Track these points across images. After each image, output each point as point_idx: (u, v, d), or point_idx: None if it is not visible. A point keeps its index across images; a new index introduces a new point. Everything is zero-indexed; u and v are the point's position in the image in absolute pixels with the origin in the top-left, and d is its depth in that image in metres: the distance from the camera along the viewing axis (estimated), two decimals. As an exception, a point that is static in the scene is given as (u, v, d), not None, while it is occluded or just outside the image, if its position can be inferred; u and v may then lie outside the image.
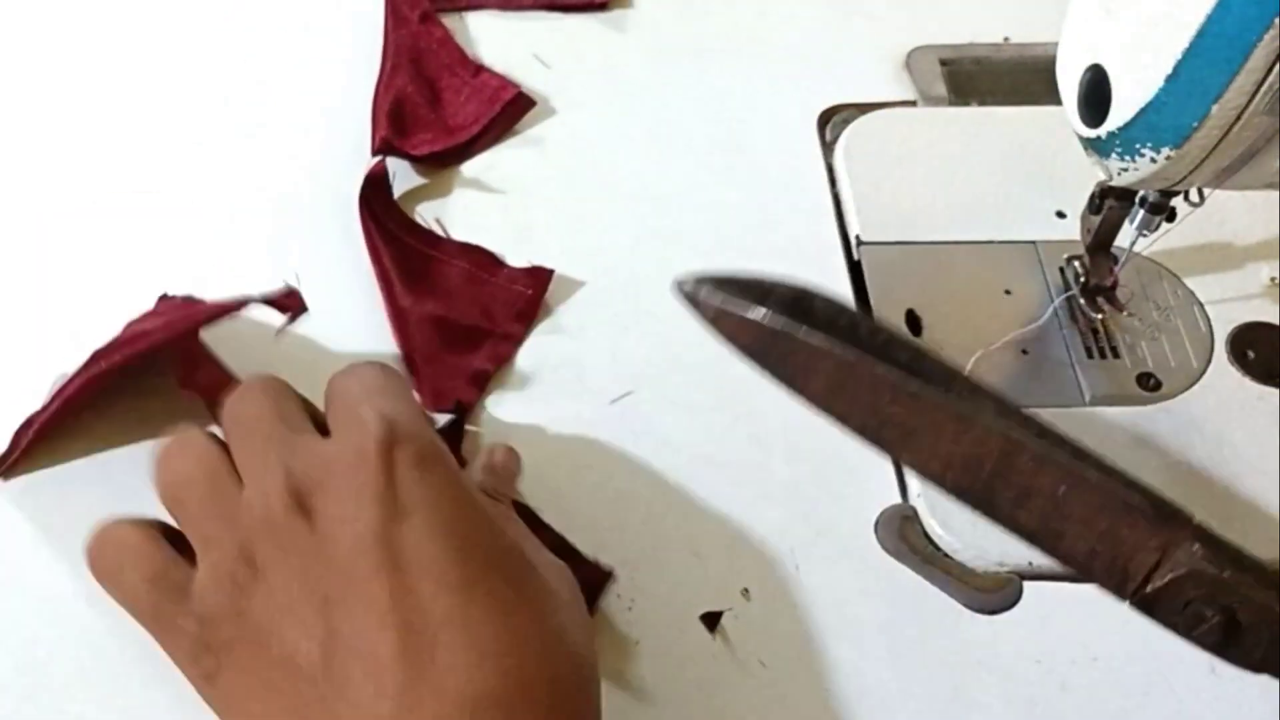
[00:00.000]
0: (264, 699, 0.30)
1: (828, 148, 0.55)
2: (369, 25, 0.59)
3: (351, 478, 0.32)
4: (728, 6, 0.61)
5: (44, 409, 0.42)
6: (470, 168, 0.53)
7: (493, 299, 0.48)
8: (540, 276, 0.49)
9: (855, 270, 0.50)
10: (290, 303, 0.44)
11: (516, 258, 0.50)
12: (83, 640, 0.39)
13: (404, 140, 0.52)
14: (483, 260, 0.49)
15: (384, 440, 0.32)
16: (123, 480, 0.41)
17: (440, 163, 0.53)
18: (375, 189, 0.50)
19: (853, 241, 0.51)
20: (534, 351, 0.47)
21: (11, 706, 0.38)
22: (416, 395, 0.43)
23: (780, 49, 0.59)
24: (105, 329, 0.46)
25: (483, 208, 0.52)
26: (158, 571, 0.33)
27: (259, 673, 0.31)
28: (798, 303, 0.33)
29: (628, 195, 0.53)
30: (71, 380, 0.42)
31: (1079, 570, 0.32)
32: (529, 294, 0.48)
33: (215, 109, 0.55)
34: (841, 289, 0.50)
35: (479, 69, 0.56)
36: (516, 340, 0.47)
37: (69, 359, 0.45)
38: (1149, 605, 0.32)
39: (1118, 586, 0.32)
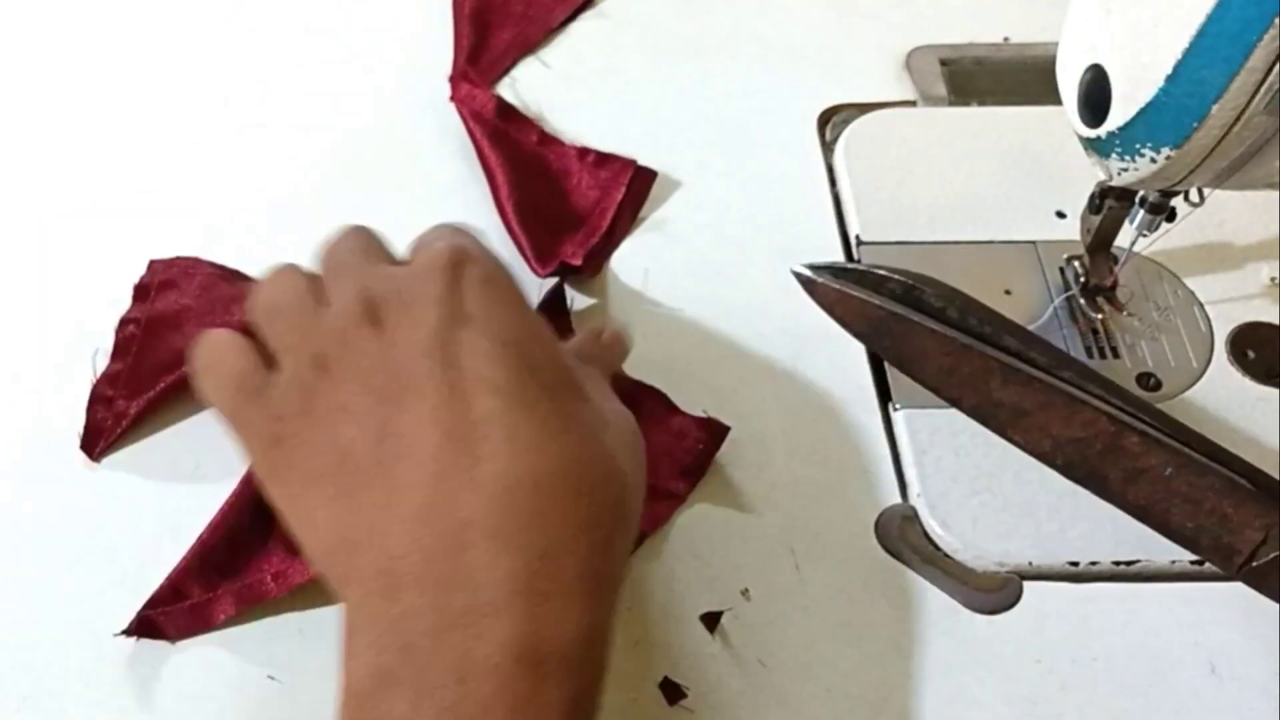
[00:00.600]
0: (319, 486, 0.32)
1: (828, 148, 0.55)
2: (366, 25, 0.59)
3: (419, 289, 0.34)
4: (728, 6, 0.61)
5: (141, 390, 0.44)
6: (472, 173, 0.53)
7: (660, 451, 0.44)
8: (715, 431, 0.44)
9: (855, 270, 0.50)
10: None
11: (516, 257, 0.50)
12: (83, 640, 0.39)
13: (559, 248, 0.50)
14: (656, 405, 0.45)
15: (452, 258, 0.34)
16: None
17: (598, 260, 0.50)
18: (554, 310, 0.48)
19: (853, 241, 0.51)
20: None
21: (12, 706, 0.38)
22: None
23: (780, 49, 0.59)
24: (105, 328, 0.46)
25: (484, 215, 0.52)
26: (242, 371, 0.35)
27: (316, 462, 0.33)
28: (911, 291, 0.34)
29: (628, 195, 0.53)
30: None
31: (1186, 545, 0.33)
32: (700, 448, 0.44)
33: (215, 109, 0.55)
34: (841, 289, 0.50)
35: (588, 153, 0.53)
36: (679, 500, 0.43)
37: (69, 357, 0.46)
38: (1256, 579, 0.33)
39: (1224, 561, 0.33)
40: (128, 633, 0.39)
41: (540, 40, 0.58)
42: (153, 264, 0.48)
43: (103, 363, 0.45)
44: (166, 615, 0.39)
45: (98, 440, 0.44)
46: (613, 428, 0.35)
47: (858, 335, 0.35)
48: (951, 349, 0.34)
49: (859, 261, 0.50)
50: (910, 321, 0.34)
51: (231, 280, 0.48)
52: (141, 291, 0.47)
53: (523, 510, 0.31)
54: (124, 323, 0.46)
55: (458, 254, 0.35)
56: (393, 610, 0.30)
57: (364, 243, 0.38)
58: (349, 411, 0.32)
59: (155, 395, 0.44)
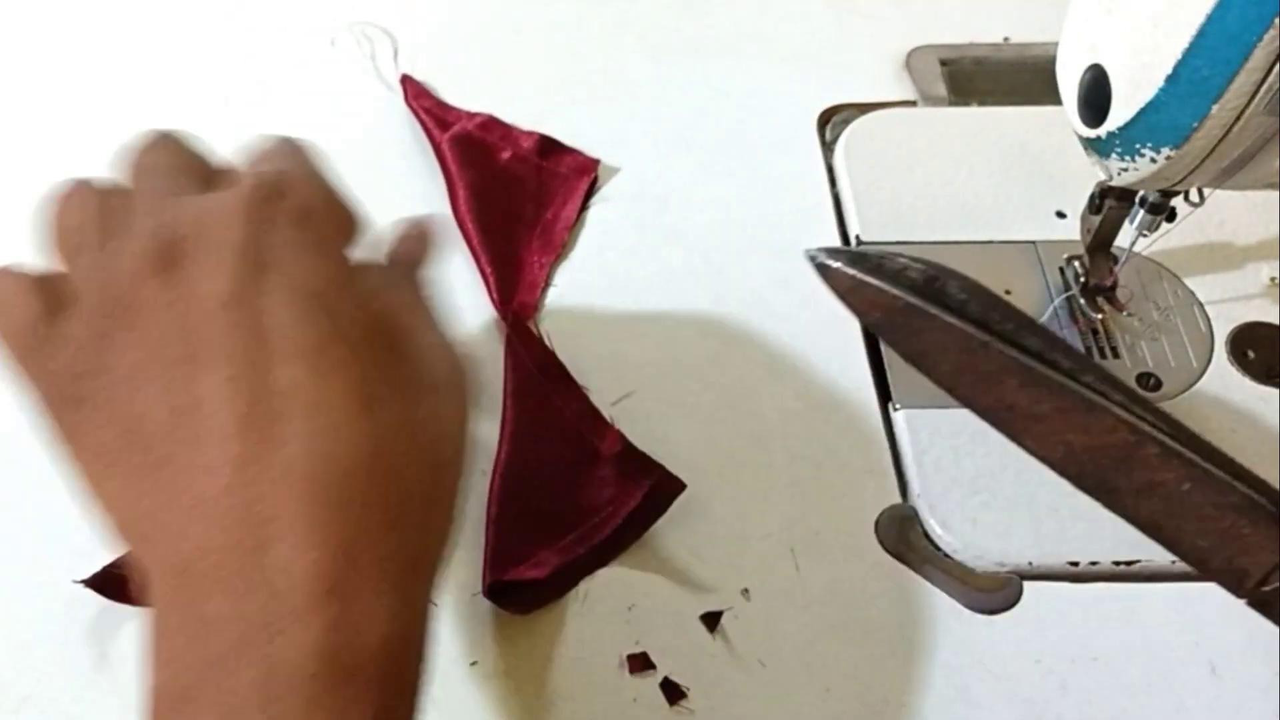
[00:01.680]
0: (113, 459, 0.29)
1: (828, 148, 0.55)
2: (366, 24, 0.59)
3: (222, 227, 0.30)
4: (728, 6, 0.61)
5: None
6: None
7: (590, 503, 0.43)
8: (659, 495, 0.43)
9: (855, 270, 0.50)
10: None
11: (516, 258, 0.50)
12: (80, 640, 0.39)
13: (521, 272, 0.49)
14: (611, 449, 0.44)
15: (264, 190, 0.30)
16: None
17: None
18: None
19: (853, 241, 0.51)
20: (534, 351, 0.47)
21: (13, 706, 0.38)
22: None
23: (780, 49, 0.59)
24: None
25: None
26: (26, 319, 0.31)
27: (111, 430, 0.29)
28: (931, 283, 0.33)
29: (628, 195, 0.53)
30: None
31: (1194, 564, 0.32)
32: (632, 510, 0.42)
33: (215, 109, 0.55)
34: (841, 289, 0.50)
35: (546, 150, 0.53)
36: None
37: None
38: (1264, 604, 0.32)
39: (1234, 583, 0.32)
40: (87, 583, 0.39)
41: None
42: None
43: None
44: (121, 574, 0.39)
45: None
46: (430, 382, 0.31)
47: (871, 326, 0.33)
48: (969, 346, 0.33)
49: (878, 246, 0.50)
50: (928, 314, 0.32)
51: None
52: None
53: (326, 500, 0.27)
54: None
55: (272, 185, 0.31)
56: (190, 619, 0.27)
57: (173, 157, 0.33)
58: (143, 373, 0.29)
59: None
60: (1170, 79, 0.34)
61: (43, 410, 0.31)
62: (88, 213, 0.31)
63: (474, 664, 0.39)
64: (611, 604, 0.41)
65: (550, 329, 0.48)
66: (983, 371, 0.33)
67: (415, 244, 0.36)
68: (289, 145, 0.33)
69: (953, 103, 0.57)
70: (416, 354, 0.32)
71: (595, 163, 0.53)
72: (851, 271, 0.33)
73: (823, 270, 0.34)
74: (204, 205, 0.31)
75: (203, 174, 0.33)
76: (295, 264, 0.30)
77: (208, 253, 0.29)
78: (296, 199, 0.31)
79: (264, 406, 0.28)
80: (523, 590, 0.40)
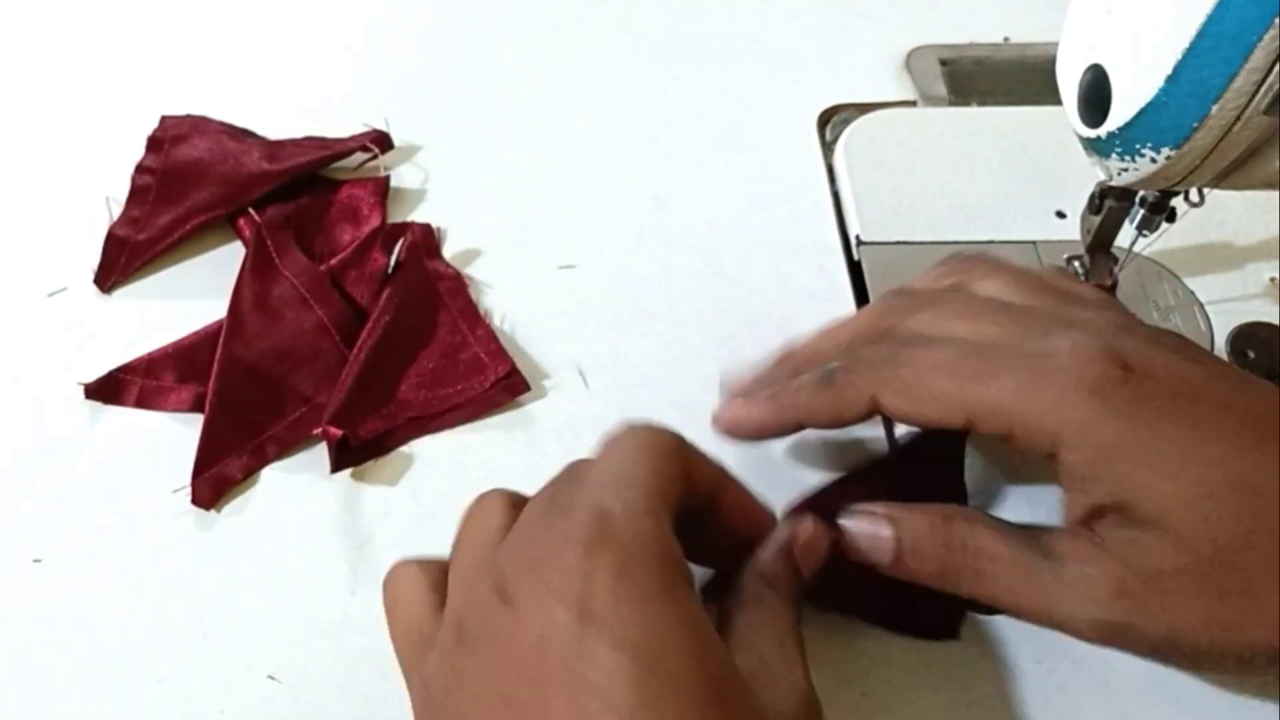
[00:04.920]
0: None
1: (828, 148, 0.55)
2: (367, 24, 0.59)
3: (550, 568, 0.30)
4: (727, 6, 0.61)
5: (156, 236, 0.49)
6: (474, 168, 0.54)
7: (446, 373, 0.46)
8: (510, 385, 0.46)
9: (855, 270, 0.50)
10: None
11: (516, 257, 0.50)
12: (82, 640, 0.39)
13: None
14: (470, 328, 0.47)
15: (588, 536, 0.30)
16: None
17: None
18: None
19: (853, 241, 0.51)
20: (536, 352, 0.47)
21: (13, 706, 0.38)
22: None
23: (780, 49, 0.59)
24: (106, 326, 0.46)
25: (485, 215, 0.52)
26: (413, 619, 0.33)
27: None
28: None
29: (628, 195, 0.53)
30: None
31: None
32: (484, 391, 0.45)
33: (214, 109, 0.55)
34: (841, 289, 0.50)
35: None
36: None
37: (67, 356, 0.46)
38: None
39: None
40: (88, 390, 0.44)
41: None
42: (164, 119, 0.53)
43: (115, 207, 0.50)
44: (126, 380, 0.45)
45: (110, 274, 0.48)
46: None
47: None
48: None
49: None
50: None
51: (240, 137, 0.52)
52: (155, 143, 0.52)
53: None
54: (140, 170, 0.51)
55: (595, 528, 0.30)
56: None
57: (501, 516, 0.34)
58: (478, 706, 0.30)
59: (169, 243, 0.49)
60: (1170, 79, 0.34)
61: (415, 710, 0.33)
62: (484, 530, 0.33)
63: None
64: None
65: (550, 328, 0.48)
66: None
67: (803, 550, 0.36)
68: (624, 451, 0.34)
69: (953, 103, 0.57)
70: (759, 705, 0.31)
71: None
72: None
73: None
74: (540, 540, 0.31)
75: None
76: (619, 619, 0.29)
77: (539, 594, 0.30)
78: (617, 550, 0.30)
79: None
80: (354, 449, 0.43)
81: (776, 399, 0.40)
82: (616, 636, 0.29)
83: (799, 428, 0.40)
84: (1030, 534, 0.36)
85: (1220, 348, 0.47)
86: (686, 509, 0.34)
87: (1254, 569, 0.32)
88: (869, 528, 0.36)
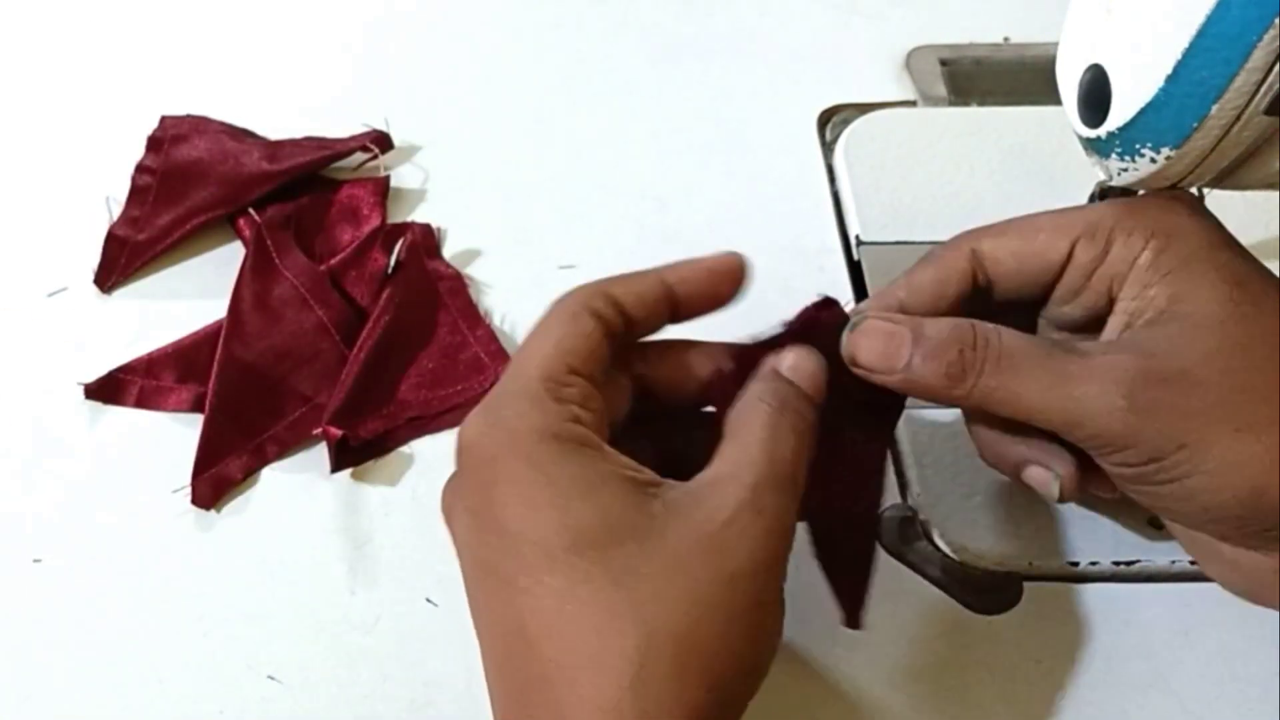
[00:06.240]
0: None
1: (828, 148, 0.55)
2: (367, 24, 0.59)
3: (457, 483, 0.34)
4: (728, 6, 0.61)
5: (156, 236, 0.49)
6: (475, 168, 0.54)
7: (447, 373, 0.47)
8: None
9: (855, 270, 0.50)
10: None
11: (516, 257, 0.50)
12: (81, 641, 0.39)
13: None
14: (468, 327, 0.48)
15: (471, 444, 0.33)
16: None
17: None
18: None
19: (853, 241, 0.51)
20: (534, 351, 0.47)
21: (12, 706, 0.38)
22: None
23: (780, 49, 0.59)
24: (106, 326, 0.46)
25: (485, 215, 0.52)
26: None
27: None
28: None
29: (628, 195, 0.53)
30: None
31: None
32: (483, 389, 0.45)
33: (214, 109, 0.55)
34: (841, 289, 0.50)
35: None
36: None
37: (67, 356, 0.46)
38: None
39: None
40: (88, 390, 0.44)
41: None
42: (164, 119, 0.53)
43: (115, 207, 0.50)
44: (126, 380, 0.45)
45: (110, 274, 0.48)
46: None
47: None
48: None
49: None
50: None
51: (240, 137, 0.52)
52: (155, 143, 0.52)
53: None
54: (140, 170, 0.51)
55: (482, 429, 0.33)
56: None
57: None
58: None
59: (170, 243, 0.49)
60: (1170, 79, 0.34)
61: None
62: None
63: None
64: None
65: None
66: None
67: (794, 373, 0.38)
68: None
69: (953, 103, 0.57)
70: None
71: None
72: None
73: None
74: None
75: None
76: None
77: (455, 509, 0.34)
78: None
79: None
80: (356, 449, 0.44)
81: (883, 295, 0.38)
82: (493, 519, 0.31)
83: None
84: (1053, 340, 0.36)
85: (1220, 348, 0.47)
86: (637, 332, 0.38)
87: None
88: (885, 326, 0.35)
